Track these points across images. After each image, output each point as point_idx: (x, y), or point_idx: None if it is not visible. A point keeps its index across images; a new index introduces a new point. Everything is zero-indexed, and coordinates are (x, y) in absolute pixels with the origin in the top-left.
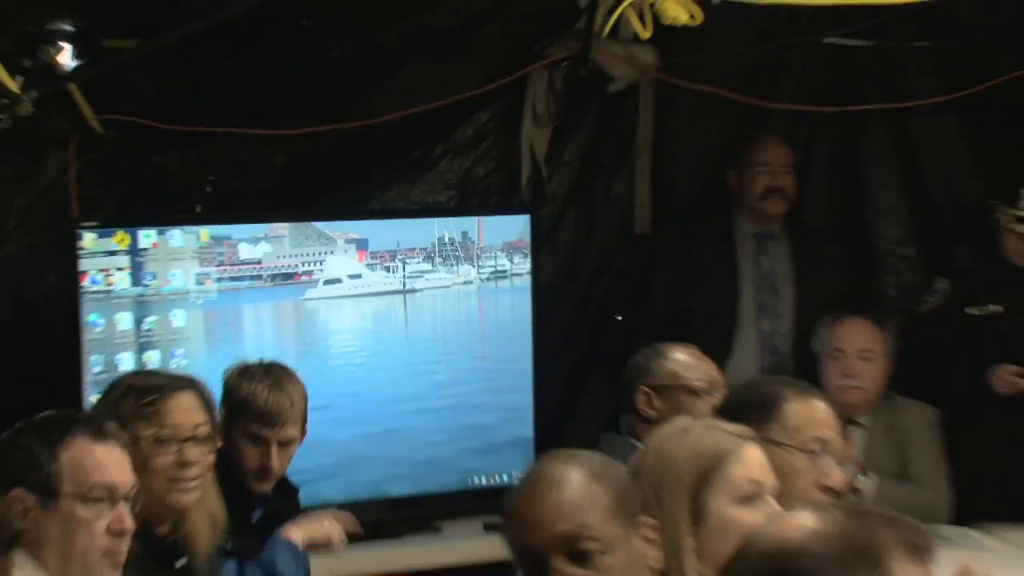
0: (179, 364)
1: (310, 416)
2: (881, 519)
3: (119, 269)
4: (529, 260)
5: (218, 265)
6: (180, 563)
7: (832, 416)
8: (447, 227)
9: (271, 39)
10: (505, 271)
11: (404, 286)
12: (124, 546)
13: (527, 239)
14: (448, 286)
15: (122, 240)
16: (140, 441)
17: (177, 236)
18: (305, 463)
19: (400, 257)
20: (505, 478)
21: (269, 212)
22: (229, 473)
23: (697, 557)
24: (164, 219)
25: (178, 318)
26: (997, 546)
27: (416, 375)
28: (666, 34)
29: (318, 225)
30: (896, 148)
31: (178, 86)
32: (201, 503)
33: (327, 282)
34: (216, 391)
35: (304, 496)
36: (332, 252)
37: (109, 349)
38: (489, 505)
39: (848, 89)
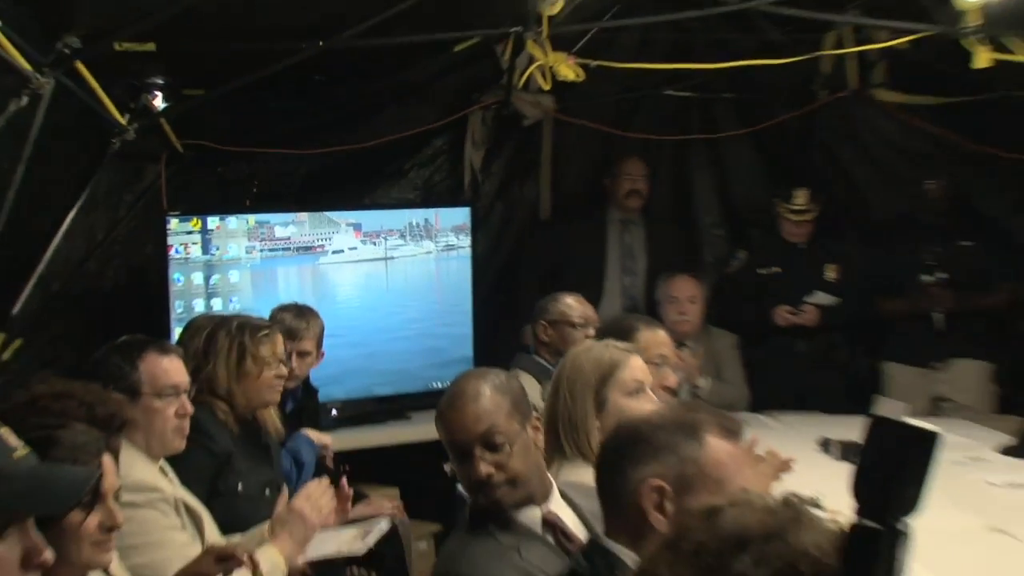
0: (234, 307)
1: (324, 342)
2: (704, 409)
3: (193, 243)
4: (469, 238)
5: (260, 240)
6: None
7: (670, 340)
8: (415, 216)
9: (297, 89)
10: (453, 245)
11: (386, 255)
12: (187, 423)
13: (468, 224)
14: (415, 255)
15: (196, 224)
16: (256, 358)
17: (233, 221)
18: (320, 373)
19: (383, 236)
20: None
21: (295, 205)
22: None
23: (599, 433)
24: (224, 209)
25: (234, 276)
26: (776, 425)
27: (393, 315)
28: (560, 87)
29: (328, 214)
30: (711, 164)
31: (234, 120)
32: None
33: (334, 252)
34: None
35: (320, 395)
36: (337, 232)
37: (187, 297)
38: None
39: (681, 125)
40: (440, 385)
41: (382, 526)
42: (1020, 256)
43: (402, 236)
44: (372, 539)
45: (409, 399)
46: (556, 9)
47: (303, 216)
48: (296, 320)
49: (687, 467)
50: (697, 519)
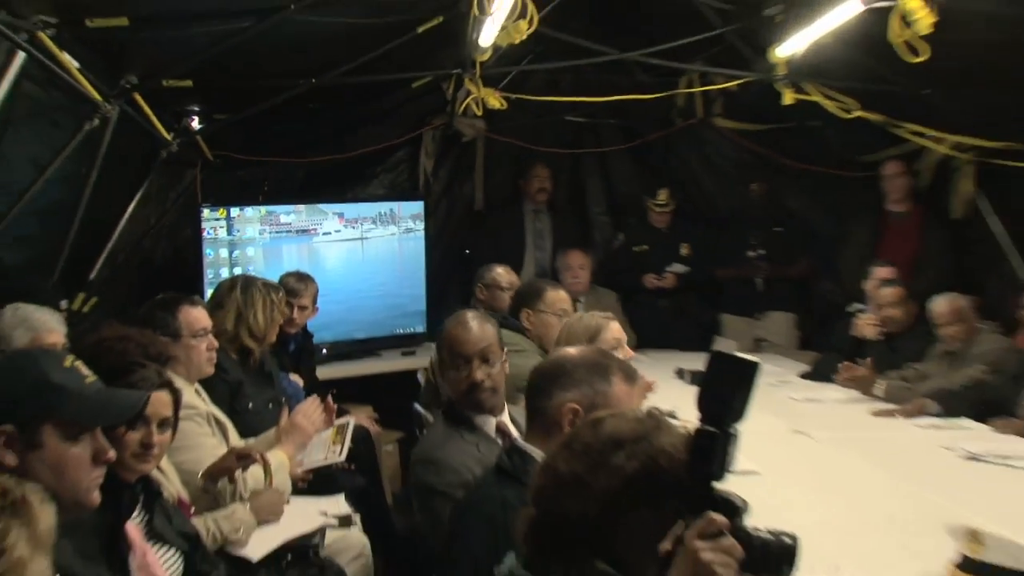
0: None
1: (318, 300)
2: (611, 355)
3: (220, 227)
4: (423, 224)
5: (270, 225)
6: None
7: (568, 297)
8: (383, 207)
9: (297, 114)
10: (411, 229)
11: (362, 236)
12: (215, 355)
13: (422, 213)
14: (383, 236)
15: (222, 213)
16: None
17: (249, 211)
18: (315, 323)
19: (360, 222)
20: (411, 330)
21: (295, 199)
22: None
23: None
24: (243, 202)
25: (250, 251)
26: (646, 359)
27: (367, 280)
28: (489, 113)
29: (320, 205)
30: (599, 170)
31: (250, 137)
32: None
33: (324, 234)
34: None
35: (315, 339)
36: (326, 219)
37: (215, 267)
38: (404, 343)
39: (576, 141)
40: (401, 331)
41: (350, 423)
42: (815, 239)
43: (374, 222)
44: (346, 445)
45: (379, 341)
46: (486, 56)
47: (301, 207)
48: (297, 283)
49: (597, 398)
50: (586, 426)
